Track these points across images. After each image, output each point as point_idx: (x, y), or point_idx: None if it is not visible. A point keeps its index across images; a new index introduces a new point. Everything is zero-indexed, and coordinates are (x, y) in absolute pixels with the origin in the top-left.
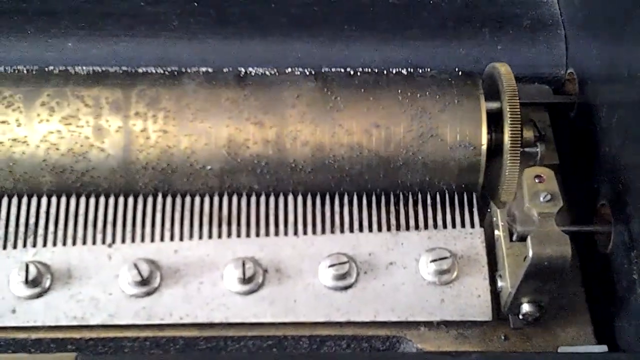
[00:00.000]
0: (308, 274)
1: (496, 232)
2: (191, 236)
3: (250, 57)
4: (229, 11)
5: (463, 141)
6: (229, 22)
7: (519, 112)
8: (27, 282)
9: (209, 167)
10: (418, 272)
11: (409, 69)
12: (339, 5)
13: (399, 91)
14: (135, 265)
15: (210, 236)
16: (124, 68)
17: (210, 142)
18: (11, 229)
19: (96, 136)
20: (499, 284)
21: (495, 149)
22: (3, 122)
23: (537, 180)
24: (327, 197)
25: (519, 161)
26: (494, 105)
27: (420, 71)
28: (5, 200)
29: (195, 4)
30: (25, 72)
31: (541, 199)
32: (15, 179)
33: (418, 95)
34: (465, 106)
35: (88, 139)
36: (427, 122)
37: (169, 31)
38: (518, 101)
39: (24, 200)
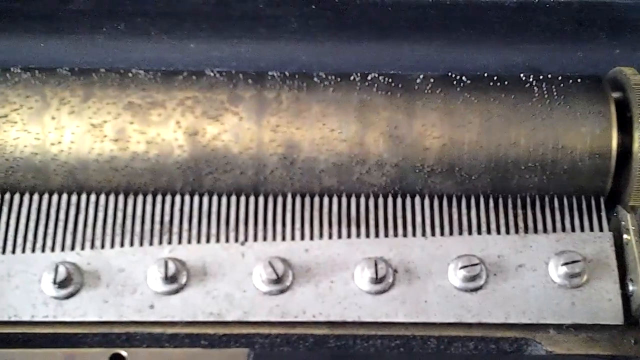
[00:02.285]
0: (437, 275)
1: (625, 236)
2: (321, 236)
3: (367, 59)
4: (347, 14)
5: (591, 113)
6: (346, 24)
7: None
8: (166, 279)
9: (338, 132)
10: (548, 274)
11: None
12: (456, 9)
13: (521, 75)
14: (270, 264)
15: (339, 236)
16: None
17: (341, 107)
18: (147, 226)
19: (231, 101)
20: (630, 288)
21: (623, 154)
22: (143, 89)
23: None
24: (454, 199)
25: None
26: (618, 94)
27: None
28: (140, 197)
29: (313, 6)
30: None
31: None
32: (148, 141)
33: (540, 77)
34: (589, 86)
35: (223, 104)
36: (552, 94)
37: (289, 33)
38: None
39: (159, 198)
